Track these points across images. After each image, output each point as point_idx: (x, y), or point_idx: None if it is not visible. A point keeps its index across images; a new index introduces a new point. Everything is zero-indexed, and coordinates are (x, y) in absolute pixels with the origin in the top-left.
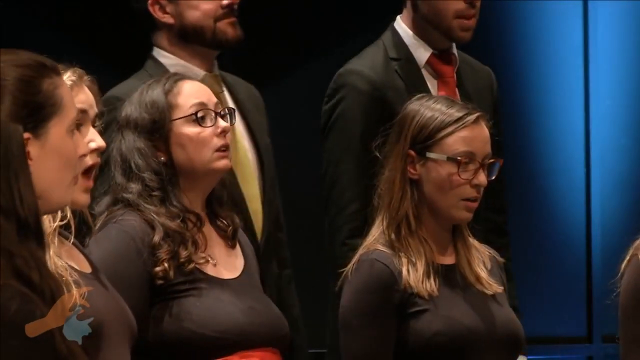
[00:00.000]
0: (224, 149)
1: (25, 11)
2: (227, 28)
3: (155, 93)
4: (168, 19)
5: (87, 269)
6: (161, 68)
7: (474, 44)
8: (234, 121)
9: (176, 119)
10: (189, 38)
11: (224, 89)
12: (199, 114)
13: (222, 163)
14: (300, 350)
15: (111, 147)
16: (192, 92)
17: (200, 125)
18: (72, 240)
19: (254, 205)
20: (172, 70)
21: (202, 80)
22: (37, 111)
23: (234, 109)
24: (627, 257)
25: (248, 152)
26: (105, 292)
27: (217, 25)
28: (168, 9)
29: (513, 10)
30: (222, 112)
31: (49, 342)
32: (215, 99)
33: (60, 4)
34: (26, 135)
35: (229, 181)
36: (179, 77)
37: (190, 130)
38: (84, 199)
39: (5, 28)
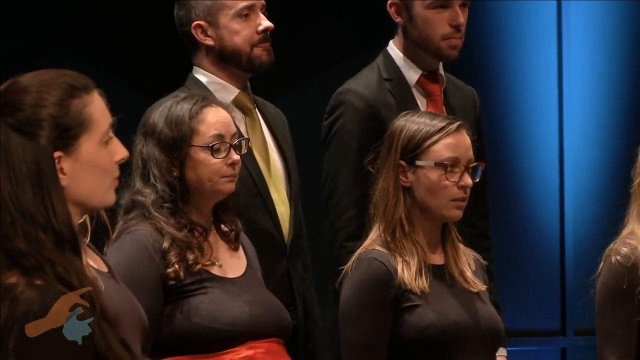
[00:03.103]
0: (232, 176)
1: (52, 30)
2: (262, 54)
3: (182, 113)
4: (209, 42)
5: (104, 268)
6: (200, 85)
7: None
8: (245, 150)
9: (195, 146)
10: (227, 60)
11: (256, 108)
12: (215, 146)
13: (228, 186)
14: (320, 344)
15: (134, 148)
16: (214, 122)
17: (214, 156)
18: (87, 242)
19: (283, 210)
20: (210, 87)
21: (237, 98)
22: (65, 131)
23: (248, 139)
24: (603, 259)
25: (277, 162)
26: (119, 288)
27: (253, 51)
28: (209, 32)
29: (491, 15)
30: (236, 144)
31: (90, 339)
32: (233, 130)
33: (88, 25)
34: (57, 153)
35: (257, 190)
36: (206, 102)
37: (205, 158)
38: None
39: (32, 46)
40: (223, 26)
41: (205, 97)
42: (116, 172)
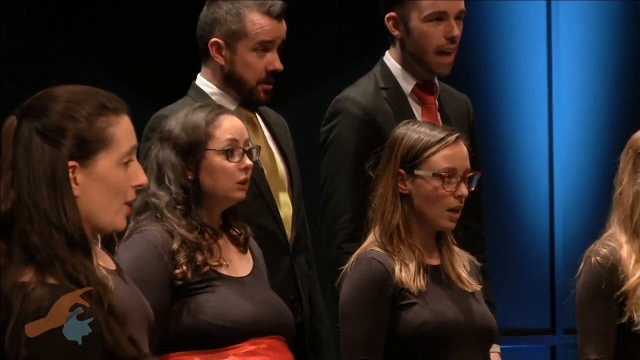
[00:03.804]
0: (244, 182)
1: (54, 33)
2: (262, 93)
3: (198, 119)
4: (220, 60)
5: (112, 266)
6: (203, 95)
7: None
8: (257, 157)
9: (210, 149)
10: (230, 83)
11: (257, 115)
12: (230, 150)
13: (239, 194)
14: (325, 339)
15: (150, 153)
16: (229, 127)
17: (229, 160)
18: (99, 244)
19: (286, 211)
20: (212, 97)
21: (238, 108)
22: (84, 144)
23: (259, 147)
24: (583, 260)
25: (280, 166)
26: (127, 286)
27: (257, 87)
28: (223, 52)
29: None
30: (249, 149)
31: (98, 335)
32: (246, 136)
33: (89, 28)
34: (72, 163)
35: (260, 192)
36: (222, 110)
37: (220, 162)
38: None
39: (33, 50)
40: (239, 54)
41: (220, 106)
42: (130, 196)
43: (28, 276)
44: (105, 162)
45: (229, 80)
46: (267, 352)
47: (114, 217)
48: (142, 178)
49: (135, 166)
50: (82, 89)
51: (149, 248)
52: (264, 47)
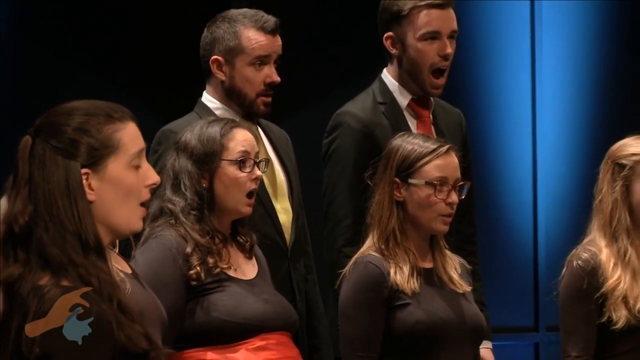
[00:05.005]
0: (253, 193)
1: (76, 58)
2: (261, 105)
3: (213, 132)
4: (221, 76)
5: (128, 270)
6: (207, 110)
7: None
8: (266, 169)
9: (224, 160)
10: (231, 97)
11: (259, 129)
12: (242, 161)
13: (246, 209)
14: (324, 339)
15: (166, 162)
16: (241, 140)
17: (241, 170)
18: (116, 249)
19: (285, 217)
20: (216, 112)
21: (240, 122)
22: (94, 151)
23: (268, 160)
24: (566, 264)
25: (281, 175)
26: (142, 288)
27: (256, 100)
28: (224, 69)
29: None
30: (259, 161)
31: (108, 333)
32: (256, 149)
33: (95, 40)
34: (84, 170)
35: (260, 200)
36: (235, 124)
37: (233, 172)
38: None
39: (58, 74)
40: (237, 69)
41: (234, 120)
42: (145, 196)
43: (44, 280)
44: (115, 166)
45: (230, 95)
46: (276, 347)
47: (129, 218)
48: (153, 177)
49: (146, 167)
50: (89, 103)
51: (164, 251)
52: (260, 61)
